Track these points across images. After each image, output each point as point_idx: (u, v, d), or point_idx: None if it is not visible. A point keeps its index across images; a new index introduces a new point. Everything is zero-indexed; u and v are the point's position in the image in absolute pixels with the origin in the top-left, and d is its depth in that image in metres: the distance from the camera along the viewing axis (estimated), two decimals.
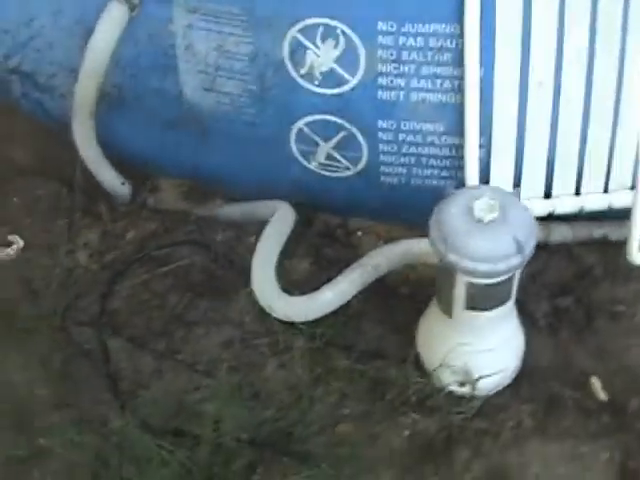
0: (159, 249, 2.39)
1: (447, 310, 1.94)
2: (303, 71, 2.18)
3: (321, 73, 2.16)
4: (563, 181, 2.20)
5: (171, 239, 2.42)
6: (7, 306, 2.27)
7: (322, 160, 2.31)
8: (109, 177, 2.56)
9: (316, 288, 2.18)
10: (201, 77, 2.29)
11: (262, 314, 2.18)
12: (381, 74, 2.13)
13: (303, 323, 2.13)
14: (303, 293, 2.18)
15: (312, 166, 2.33)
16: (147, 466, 1.87)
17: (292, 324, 2.14)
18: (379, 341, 2.14)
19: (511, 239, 1.76)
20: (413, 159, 2.24)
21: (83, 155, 2.53)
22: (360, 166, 2.29)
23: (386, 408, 1.99)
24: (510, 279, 1.84)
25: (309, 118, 2.24)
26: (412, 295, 2.26)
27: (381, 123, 2.20)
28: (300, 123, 2.26)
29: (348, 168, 2.30)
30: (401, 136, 2.21)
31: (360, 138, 2.23)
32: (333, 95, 2.19)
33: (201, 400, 2.04)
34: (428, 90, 2.13)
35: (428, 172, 2.26)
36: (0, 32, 2.57)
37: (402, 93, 2.15)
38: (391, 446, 1.90)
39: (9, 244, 2.44)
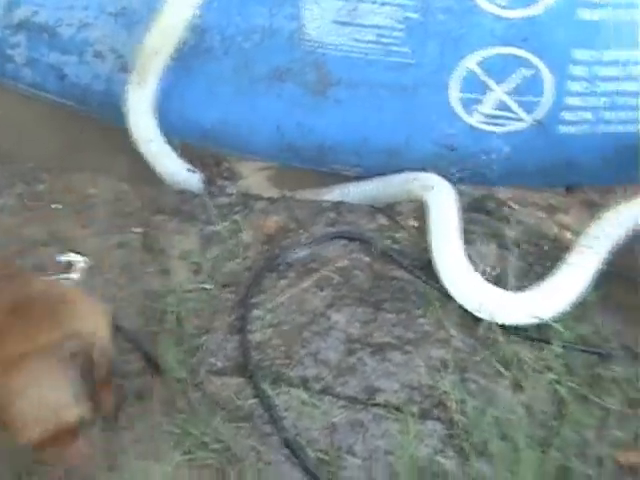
0: (298, 250, 1.63)
1: None
2: None
3: None
4: None
5: (309, 235, 1.67)
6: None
7: (488, 110, 1.80)
8: (171, 163, 1.88)
9: (521, 277, 1.65)
10: (335, 5, 1.71)
11: (470, 321, 1.58)
12: None
13: (522, 327, 1.58)
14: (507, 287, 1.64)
15: (472, 120, 1.82)
16: None
17: (510, 329, 1.58)
18: (619, 337, 1.61)
19: None
20: (606, 100, 1.79)
21: (137, 135, 1.85)
22: (537, 114, 1.80)
23: None
24: None
25: (484, 52, 1.73)
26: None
27: (576, 53, 1.74)
28: (471, 60, 1.74)
29: (520, 119, 1.81)
30: (597, 69, 1.76)
31: (545, 76, 1.75)
32: (522, 19, 1.70)
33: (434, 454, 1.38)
34: None
35: (621, 114, 1.82)
36: None
37: (608, 11, 1.71)
38: None
39: (69, 266, 1.64)
